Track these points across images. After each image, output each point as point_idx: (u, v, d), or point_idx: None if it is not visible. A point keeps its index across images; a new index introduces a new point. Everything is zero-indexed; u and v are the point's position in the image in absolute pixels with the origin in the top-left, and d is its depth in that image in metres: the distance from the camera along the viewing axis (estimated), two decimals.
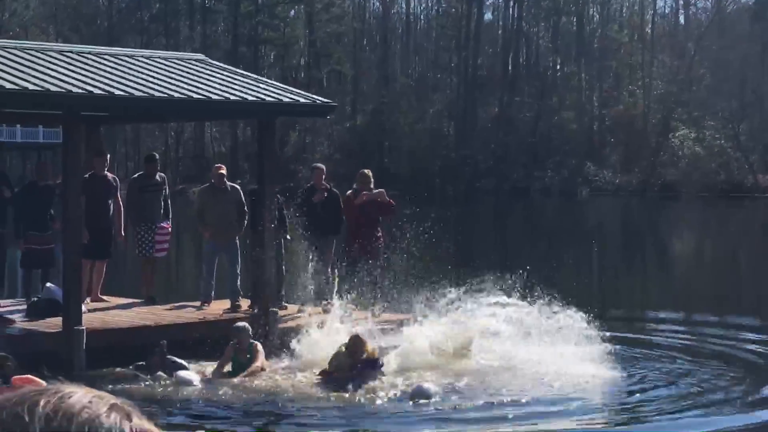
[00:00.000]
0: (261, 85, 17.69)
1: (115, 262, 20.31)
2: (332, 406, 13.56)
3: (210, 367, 15.09)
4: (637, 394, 14.27)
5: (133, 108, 16.96)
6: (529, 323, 15.74)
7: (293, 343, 15.79)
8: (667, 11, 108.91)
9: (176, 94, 16.17)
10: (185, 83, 16.78)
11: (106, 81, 15.95)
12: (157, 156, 20.51)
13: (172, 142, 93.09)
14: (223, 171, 18.58)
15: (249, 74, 19.10)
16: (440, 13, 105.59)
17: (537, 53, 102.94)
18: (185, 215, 32.66)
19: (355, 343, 14.66)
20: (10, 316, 16.29)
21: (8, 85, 14.86)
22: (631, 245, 46.21)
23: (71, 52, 17.56)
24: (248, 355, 15.00)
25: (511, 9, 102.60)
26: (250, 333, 15.22)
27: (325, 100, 18.98)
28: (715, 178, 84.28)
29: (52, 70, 16.01)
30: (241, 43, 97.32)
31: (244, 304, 17.84)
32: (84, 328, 15.27)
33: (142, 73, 16.91)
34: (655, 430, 12.94)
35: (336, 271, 18.03)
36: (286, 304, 18.15)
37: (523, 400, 13.65)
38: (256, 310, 17.20)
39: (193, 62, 18.59)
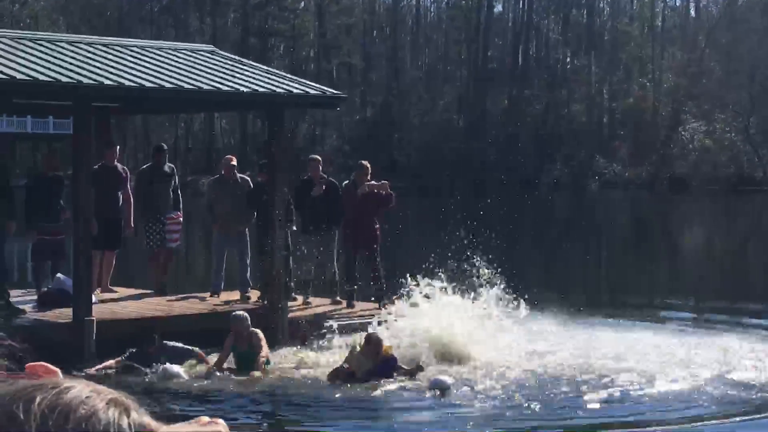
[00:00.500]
0: (271, 77, 17.69)
1: (125, 253, 20.32)
2: (347, 400, 13.43)
3: (214, 357, 14.99)
4: (649, 387, 14.23)
5: (143, 99, 16.97)
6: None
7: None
8: (677, 4, 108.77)
9: (186, 85, 16.18)
10: (195, 74, 16.78)
11: (117, 72, 15.95)
12: (166, 146, 20.50)
13: (181, 134, 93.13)
14: (234, 162, 18.59)
15: (259, 65, 19.09)
16: (450, 5, 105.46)
17: (547, 46, 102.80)
18: (195, 207, 32.68)
19: (373, 343, 14.20)
20: (20, 307, 16.33)
21: (19, 76, 14.88)
22: (641, 238, 46.15)
23: (82, 43, 17.57)
24: (249, 344, 14.74)
25: (521, 1, 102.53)
26: (249, 322, 14.91)
27: (335, 91, 18.98)
28: (725, 171, 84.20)
29: (63, 60, 16.02)
30: (250, 34, 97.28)
31: (254, 295, 17.85)
32: (94, 318, 15.30)
33: (153, 64, 16.91)
34: (673, 423, 12.91)
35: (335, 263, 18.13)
36: (296, 296, 18.17)
37: (539, 392, 13.55)
38: (265, 302, 17.21)
39: (203, 53, 18.59)
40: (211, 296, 18.03)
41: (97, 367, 14.39)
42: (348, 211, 17.97)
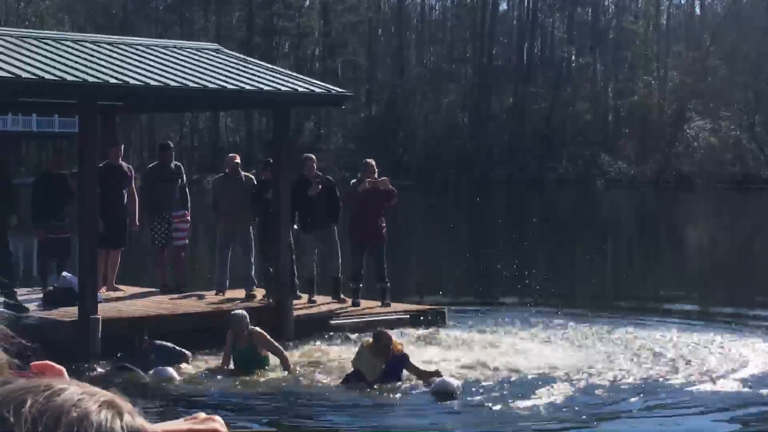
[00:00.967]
0: (276, 75, 17.69)
1: (130, 252, 20.32)
2: (351, 401, 13.34)
3: (214, 359, 14.92)
4: (653, 385, 14.21)
5: (148, 97, 16.98)
6: None
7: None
8: (682, 2, 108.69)
9: (191, 84, 16.17)
10: (200, 73, 16.78)
11: (122, 70, 15.96)
12: (172, 144, 20.49)
13: (186, 132, 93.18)
14: (238, 160, 18.59)
15: (264, 64, 19.09)
16: (455, 4, 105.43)
17: (552, 44, 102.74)
18: (200, 205, 32.68)
19: (382, 340, 13.88)
20: (25, 305, 16.34)
21: (25, 75, 14.89)
22: (646, 235, 46.11)
23: (87, 41, 17.58)
24: (249, 343, 14.61)
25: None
26: (248, 320, 14.72)
27: (340, 89, 18.97)
28: (730, 169, 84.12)
29: (68, 59, 16.03)
30: (255, 33, 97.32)
31: (259, 293, 17.85)
32: (99, 316, 15.30)
33: (158, 62, 16.92)
34: (675, 420, 12.89)
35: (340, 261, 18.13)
36: (300, 294, 18.17)
37: (547, 395, 13.45)
38: (270, 300, 17.21)
39: (208, 52, 18.60)
40: (216, 294, 18.04)
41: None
42: (354, 210, 17.99)
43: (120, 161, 18.15)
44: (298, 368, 14.89)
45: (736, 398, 13.50)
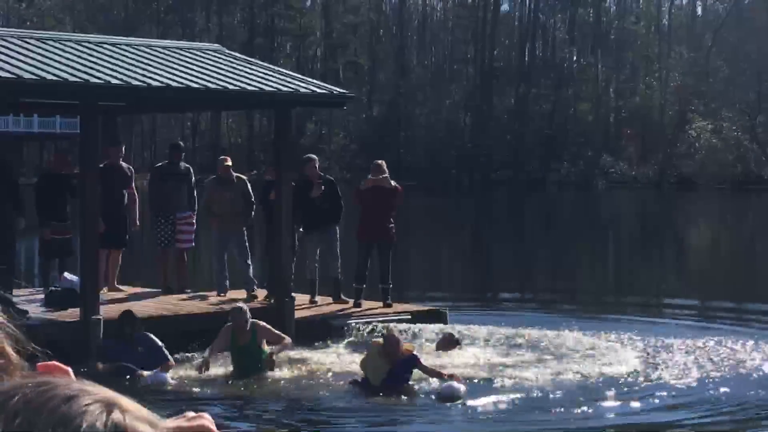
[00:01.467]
0: (278, 76, 17.69)
1: (132, 252, 20.32)
2: (353, 404, 13.26)
3: (213, 363, 14.87)
4: (656, 386, 14.20)
5: (150, 98, 16.98)
6: None
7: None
8: (684, 2, 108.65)
9: (193, 84, 16.18)
10: (202, 73, 16.79)
11: (124, 71, 15.97)
12: (182, 144, 20.43)
13: (188, 133, 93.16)
14: (229, 162, 18.54)
15: (265, 64, 19.10)
16: (457, 4, 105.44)
17: (554, 45, 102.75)
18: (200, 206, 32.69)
19: (391, 343, 13.74)
20: (28, 306, 16.33)
21: (26, 75, 14.89)
22: (648, 236, 46.10)
23: (89, 42, 17.59)
24: (251, 338, 14.53)
25: (527, 0, 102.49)
26: (249, 314, 14.64)
27: (342, 90, 18.98)
28: (732, 170, 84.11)
29: (70, 60, 16.03)
30: (257, 34, 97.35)
31: (261, 294, 17.84)
32: (101, 317, 15.30)
33: (159, 63, 16.92)
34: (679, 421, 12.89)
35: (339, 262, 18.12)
36: (294, 295, 18.14)
37: (553, 398, 13.43)
38: (272, 301, 17.21)
39: (210, 52, 18.60)
40: (217, 295, 18.04)
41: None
42: (362, 210, 18.00)
43: (120, 162, 18.16)
44: (299, 369, 14.88)
45: (737, 398, 13.49)
